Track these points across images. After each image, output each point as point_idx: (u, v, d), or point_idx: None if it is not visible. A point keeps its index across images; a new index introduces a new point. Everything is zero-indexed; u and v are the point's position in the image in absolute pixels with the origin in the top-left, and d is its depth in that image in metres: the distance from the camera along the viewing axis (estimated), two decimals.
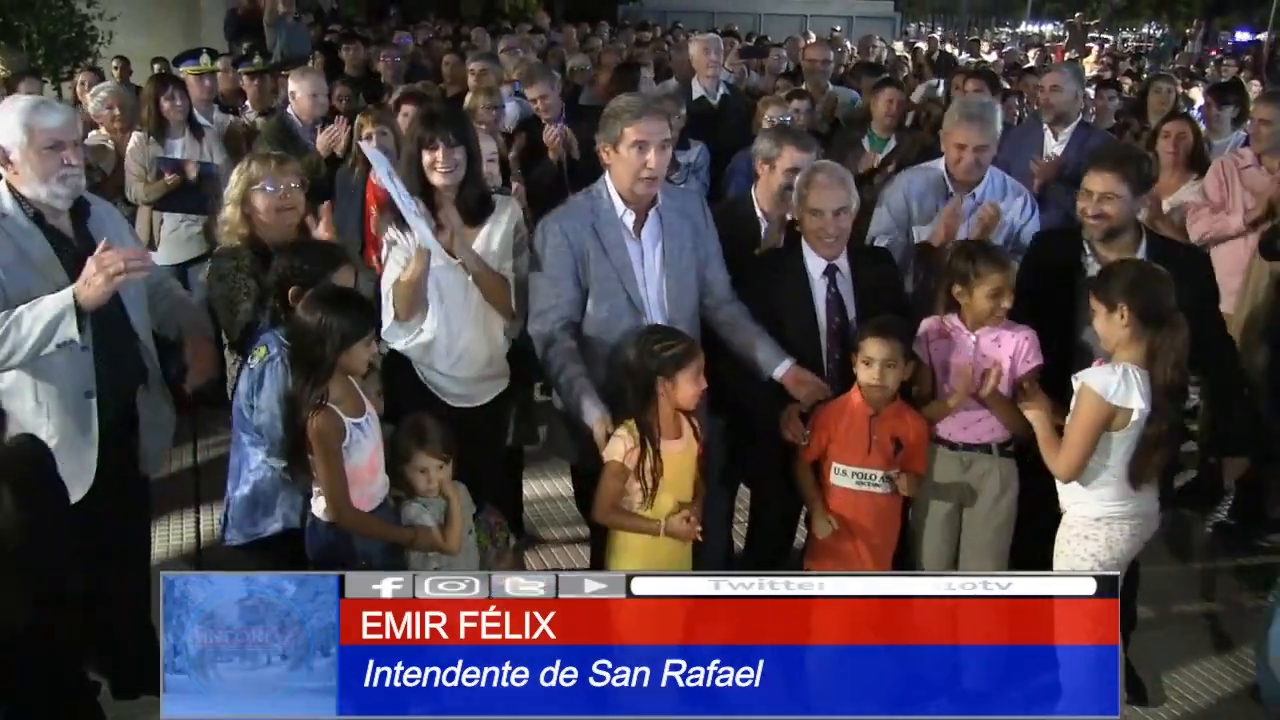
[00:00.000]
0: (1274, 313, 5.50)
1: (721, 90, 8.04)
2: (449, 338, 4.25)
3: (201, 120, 7.17)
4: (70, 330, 3.48)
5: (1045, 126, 6.65)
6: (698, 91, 7.94)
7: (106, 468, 3.79)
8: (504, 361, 4.50)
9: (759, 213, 5.01)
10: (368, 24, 16.46)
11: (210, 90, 7.64)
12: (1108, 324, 3.78)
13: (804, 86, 8.16)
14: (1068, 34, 32.82)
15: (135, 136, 6.80)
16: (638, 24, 18.07)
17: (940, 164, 5.12)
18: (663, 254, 4.18)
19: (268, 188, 4.19)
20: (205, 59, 7.59)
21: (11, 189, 3.62)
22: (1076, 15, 36.17)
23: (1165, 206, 6.12)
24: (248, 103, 8.13)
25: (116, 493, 3.88)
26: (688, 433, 3.99)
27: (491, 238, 4.28)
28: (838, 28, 25.44)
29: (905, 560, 4.37)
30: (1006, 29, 43.09)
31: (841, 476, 4.16)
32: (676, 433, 3.94)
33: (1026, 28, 42.48)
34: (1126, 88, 11.51)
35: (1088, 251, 4.30)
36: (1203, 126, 7.03)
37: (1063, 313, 4.22)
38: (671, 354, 3.81)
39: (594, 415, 3.92)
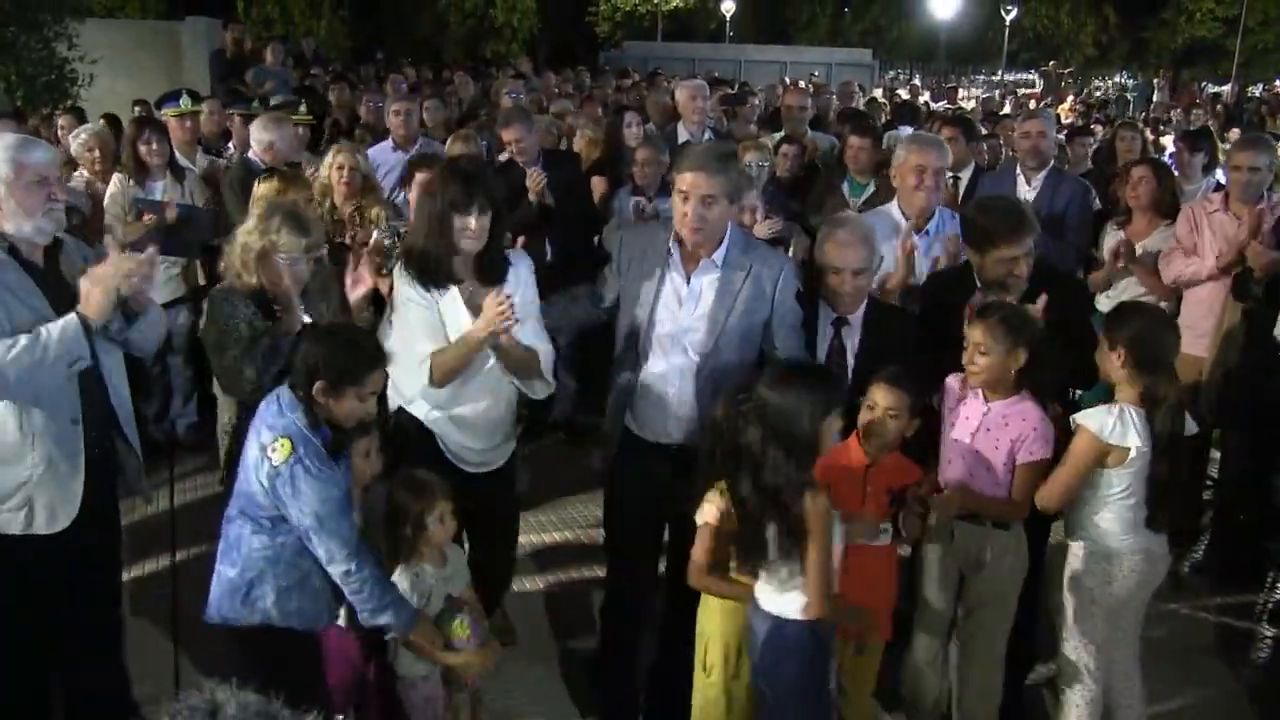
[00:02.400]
0: (1245, 353, 5.55)
1: (707, 135, 8.12)
2: (474, 406, 4.21)
3: (183, 162, 7.19)
4: (82, 349, 3.53)
5: (1019, 172, 6.75)
6: (683, 136, 8.04)
7: (88, 498, 3.77)
8: (513, 422, 4.52)
9: None
10: (349, 68, 16.49)
11: (192, 131, 7.66)
12: (1107, 360, 3.93)
13: (783, 132, 8.27)
14: (1043, 82, 33.32)
15: (116, 178, 6.81)
16: (618, 71, 18.19)
17: (894, 206, 5.17)
18: (709, 308, 4.10)
19: (290, 260, 4.11)
20: (186, 100, 7.60)
21: None
22: (1051, 64, 36.73)
23: (1138, 250, 6.20)
24: (231, 144, 8.14)
25: (97, 525, 3.86)
26: None
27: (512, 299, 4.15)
28: (817, 73, 25.70)
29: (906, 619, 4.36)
30: (983, 76, 43.63)
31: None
32: None
33: (1002, 76, 43.03)
34: (1099, 134, 11.65)
35: (979, 285, 4.39)
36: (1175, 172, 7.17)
37: (957, 347, 4.15)
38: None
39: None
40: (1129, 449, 3.83)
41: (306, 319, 4.15)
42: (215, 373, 4.11)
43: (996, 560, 4.09)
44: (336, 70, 14.35)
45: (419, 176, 5.46)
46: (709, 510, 3.73)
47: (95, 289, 3.53)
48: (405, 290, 4.13)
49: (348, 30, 37.56)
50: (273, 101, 8.92)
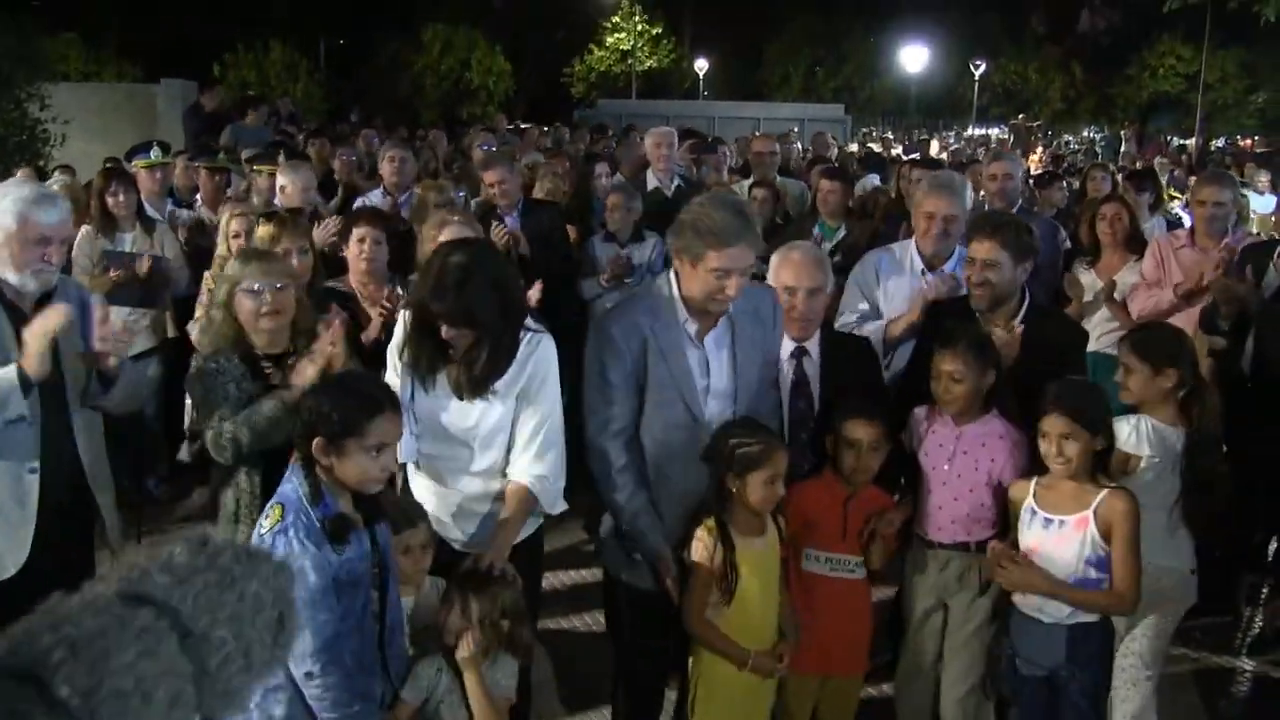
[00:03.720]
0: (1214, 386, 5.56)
1: (675, 182, 8.16)
2: (450, 486, 3.71)
3: (152, 213, 7.17)
4: (18, 406, 3.45)
5: None
6: (652, 183, 8.06)
7: (50, 547, 3.70)
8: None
9: None
10: (324, 127, 16.60)
11: (162, 183, 7.65)
12: (1149, 383, 3.99)
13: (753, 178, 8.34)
14: (1012, 135, 33.84)
15: (83, 230, 6.77)
16: (593, 126, 18.32)
17: (910, 242, 5.17)
18: (732, 363, 3.79)
19: (254, 287, 3.79)
20: (156, 152, 7.60)
21: None
22: (1020, 116, 37.33)
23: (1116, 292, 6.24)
24: (198, 197, 8.12)
25: (60, 575, 3.76)
26: (771, 533, 3.82)
27: (506, 391, 3.60)
28: (795, 129, 25.94)
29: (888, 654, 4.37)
30: (954, 132, 44.25)
31: (814, 563, 4.01)
32: (758, 530, 3.76)
33: (973, 131, 43.61)
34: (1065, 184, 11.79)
35: (977, 318, 4.34)
36: None
37: None
38: (744, 453, 3.63)
39: (661, 556, 3.70)
40: (1140, 457, 3.93)
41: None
42: (205, 436, 3.77)
43: (983, 587, 4.04)
44: (311, 128, 14.41)
45: (355, 231, 5.20)
46: (698, 548, 3.67)
47: (30, 343, 3.45)
48: (389, 372, 3.72)
49: (324, 94, 37.93)
50: (245, 154, 8.92)
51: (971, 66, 44.59)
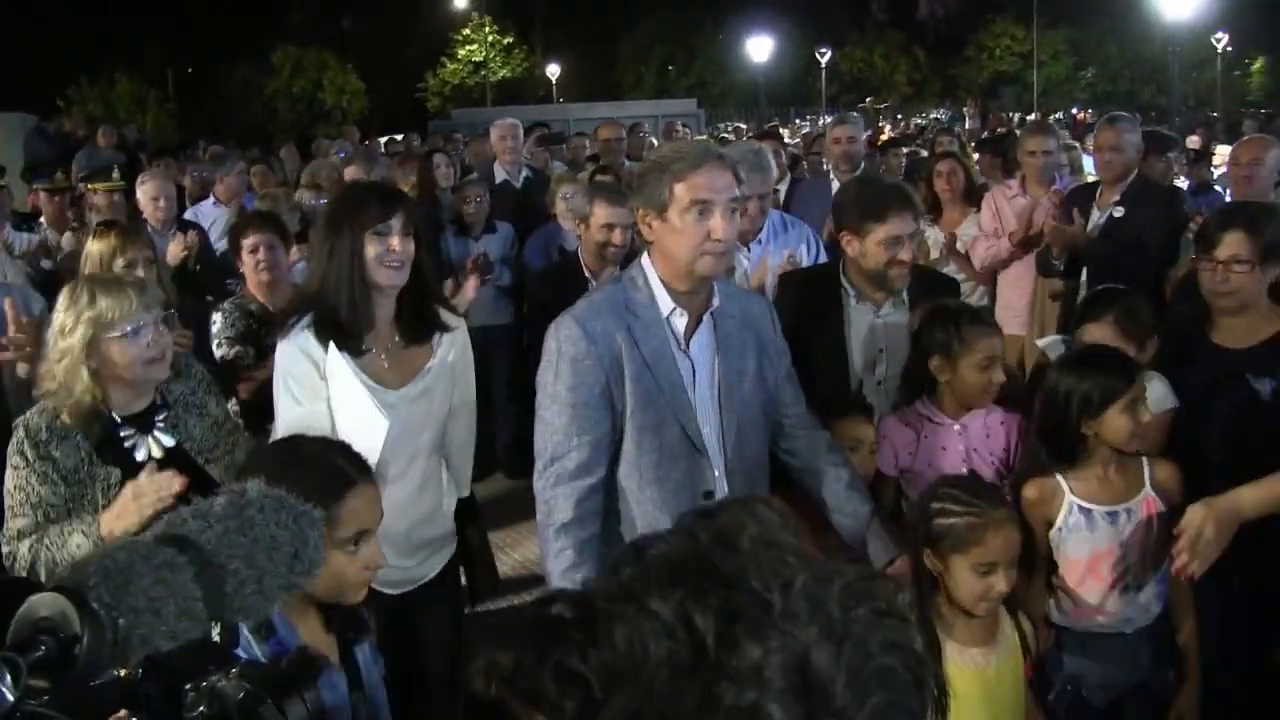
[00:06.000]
0: (1061, 329, 5.80)
1: (524, 173, 8.22)
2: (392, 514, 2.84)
3: None
4: None
5: (833, 179, 7.00)
6: (500, 176, 8.09)
7: None
8: (451, 517, 3.40)
9: (585, 272, 4.99)
10: (168, 149, 16.31)
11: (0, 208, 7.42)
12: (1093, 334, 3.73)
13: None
14: (861, 118, 34.84)
15: None
16: (444, 135, 18.31)
17: None
18: (720, 376, 2.95)
19: (128, 330, 2.87)
20: None
21: None
22: (869, 100, 38.43)
23: (959, 244, 6.47)
24: (42, 220, 7.90)
25: None
26: (1007, 641, 2.75)
27: (441, 369, 3.26)
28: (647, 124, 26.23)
29: None
30: (808, 120, 45.23)
31: None
32: (984, 637, 2.71)
33: (824, 119, 44.66)
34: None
35: (849, 291, 3.80)
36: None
37: (829, 350, 3.79)
38: (947, 525, 2.64)
39: None
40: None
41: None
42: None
43: None
44: (156, 150, 14.17)
45: (245, 241, 4.63)
46: None
47: None
48: (285, 358, 3.15)
49: (176, 124, 37.14)
50: (79, 175, 8.70)
51: (818, 55, 45.67)
